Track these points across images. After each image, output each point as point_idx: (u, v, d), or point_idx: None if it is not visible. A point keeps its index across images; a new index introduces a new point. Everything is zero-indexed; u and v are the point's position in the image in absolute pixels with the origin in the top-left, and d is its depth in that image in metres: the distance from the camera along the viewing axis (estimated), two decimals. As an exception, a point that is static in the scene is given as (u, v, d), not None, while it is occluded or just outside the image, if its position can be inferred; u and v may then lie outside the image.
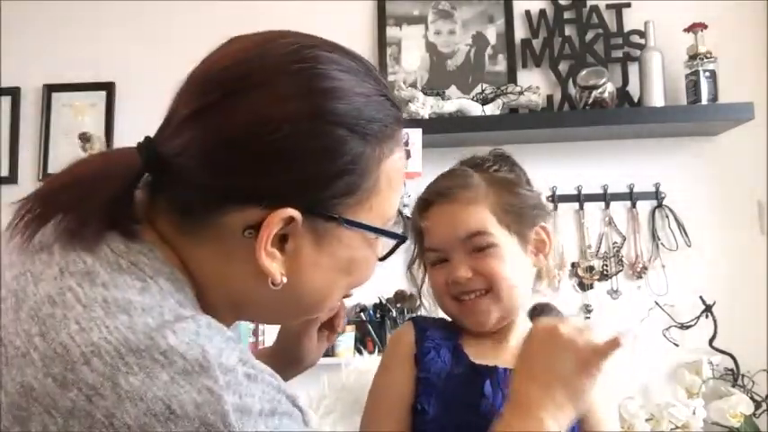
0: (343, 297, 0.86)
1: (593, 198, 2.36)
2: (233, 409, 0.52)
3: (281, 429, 0.56)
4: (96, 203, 0.59)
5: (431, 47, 2.48)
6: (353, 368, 1.36)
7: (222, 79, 0.61)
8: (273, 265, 0.61)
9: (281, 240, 0.61)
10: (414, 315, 1.07)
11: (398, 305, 2.25)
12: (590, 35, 2.40)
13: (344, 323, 1.01)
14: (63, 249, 0.58)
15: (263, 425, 0.54)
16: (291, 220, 0.60)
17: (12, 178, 2.49)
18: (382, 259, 0.71)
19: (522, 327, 0.99)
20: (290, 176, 0.60)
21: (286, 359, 0.96)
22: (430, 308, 1.06)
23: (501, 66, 2.43)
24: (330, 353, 2.22)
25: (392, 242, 0.71)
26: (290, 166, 0.59)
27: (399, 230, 0.71)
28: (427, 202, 1.00)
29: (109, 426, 0.49)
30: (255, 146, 0.59)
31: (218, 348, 0.55)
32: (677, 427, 2.05)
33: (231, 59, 0.62)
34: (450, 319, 1.02)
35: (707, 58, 2.22)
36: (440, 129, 2.21)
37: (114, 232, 0.60)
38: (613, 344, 0.75)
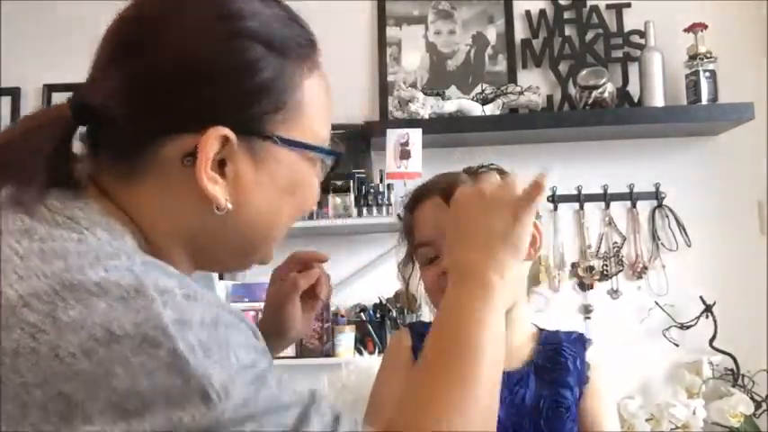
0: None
1: (593, 198, 2.36)
2: (172, 322, 0.53)
3: (225, 336, 0.57)
4: (32, 162, 0.60)
5: (431, 47, 2.48)
6: (353, 368, 1.36)
7: (136, 17, 0.64)
8: (216, 188, 0.62)
9: (221, 166, 0.63)
10: (411, 322, 1.07)
11: (398, 305, 2.25)
12: (590, 35, 2.41)
13: (328, 291, 1.01)
14: (4, 213, 0.60)
15: (207, 334, 0.55)
16: (226, 140, 0.61)
17: (12, 178, 2.49)
18: (323, 183, 0.72)
19: (518, 326, 0.98)
20: (215, 97, 0.62)
21: (273, 329, 0.97)
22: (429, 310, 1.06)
23: (501, 66, 2.44)
24: (330, 353, 2.22)
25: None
26: (213, 87, 0.62)
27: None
28: (415, 198, 1.01)
29: (54, 357, 0.51)
30: (177, 73, 0.61)
31: (154, 277, 0.56)
32: (677, 427, 2.06)
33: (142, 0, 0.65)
34: None
35: (707, 58, 2.22)
36: (440, 129, 2.21)
37: (52, 191, 0.62)
38: (537, 187, 0.73)
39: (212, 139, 0.61)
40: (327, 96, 0.72)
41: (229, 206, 0.63)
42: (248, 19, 0.64)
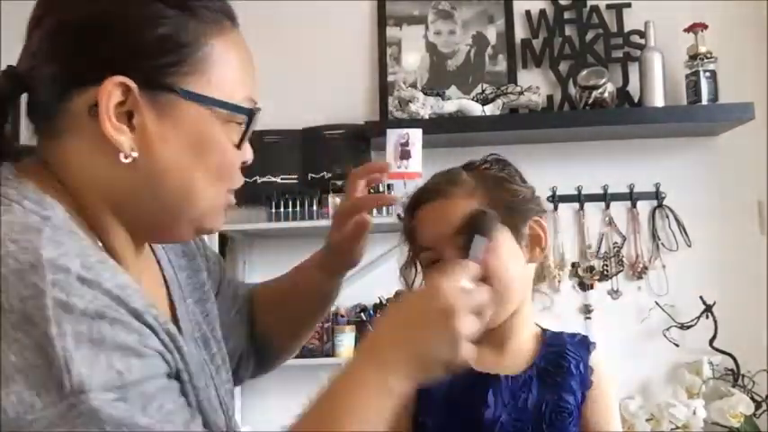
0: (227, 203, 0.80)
1: (593, 198, 2.36)
2: (54, 304, 0.55)
3: (104, 333, 0.57)
4: None
5: (431, 47, 2.48)
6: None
7: None
8: (122, 138, 0.66)
9: (130, 118, 0.66)
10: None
11: (398, 305, 2.25)
12: (590, 35, 2.40)
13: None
14: None
15: (86, 325, 0.56)
16: (126, 89, 0.65)
17: (12, 178, 2.49)
18: (239, 145, 0.73)
19: (522, 327, 0.97)
20: (115, 49, 0.66)
21: (340, 264, 1.05)
22: None
23: (501, 66, 2.43)
24: (330, 353, 2.22)
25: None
26: (112, 39, 0.66)
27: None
28: (416, 201, 0.99)
29: None
30: (78, 27, 0.66)
31: (61, 252, 0.59)
32: (677, 427, 2.05)
33: None
34: None
35: (707, 58, 2.22)
36: (440, 129, 2.21)
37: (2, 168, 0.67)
38: None
39: (110, 87, 0.64)
40: (245, 62, 0.74)
41: (134, 154, 0.66)
42: None
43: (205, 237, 0.93)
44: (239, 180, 0.76)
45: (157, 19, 0.67)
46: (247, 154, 0.76)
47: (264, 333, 1.06)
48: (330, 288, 1.07)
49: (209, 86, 0.69)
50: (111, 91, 0.65)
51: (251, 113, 0.72)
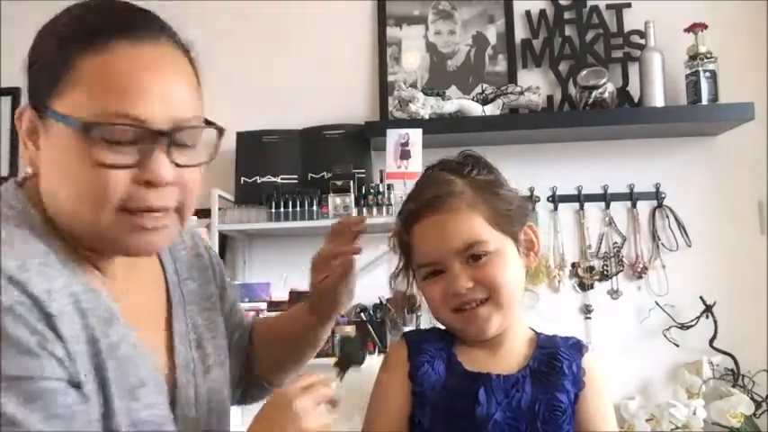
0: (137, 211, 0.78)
1: (593, 198, 2.36)
2: None
3: (6, 326, 0.64)
4: None
5: (431, 47, 2.48)
6: (353, 368, 1.35)
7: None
8: (26, 154, 0.76)
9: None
10: (406, 332, 1.05)
11: (392, 313, 2.24)
12: (590, 35, 2.40)
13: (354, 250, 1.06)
14: None
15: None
16: (30, 113, 0.74)
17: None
18: (104, 164, 0.71)
19: (515, 332, 0.98)
20: (28, 78, 0.76)
21: (327, 309, 1.06)
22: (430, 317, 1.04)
23: (501, 66, 2.43)
24: (330, 353, 2.22)
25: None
26: (28, 69, 0.77)
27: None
28: (413, 216, 0.96)
29: None
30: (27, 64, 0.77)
31: (7, 257, 0.67)
32: (677, 427, 2.05)
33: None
34: (443, 328, 0.99)
35: (707, 58, 2.22)
36: (440, 129, 2.21)
37: (9, 182, 0.79)
38: None
39: (19, 113, 0.75)
40: (122, 75, 0.71)
41: (28, 169, 0.76)
42: (54, 19, 0.77)
43: (207, 239, 0.94)
44: (124, 196, 0.72)
45: (39, 46, 0.76)
46: (148, 173, 0.72)
47: (256, 366, 1.10)
48: (318, 332, 1.09)
49: (73, 105, 0.70)
50: (21, 117, 0.75)
51: (86, 127, 0.69)
